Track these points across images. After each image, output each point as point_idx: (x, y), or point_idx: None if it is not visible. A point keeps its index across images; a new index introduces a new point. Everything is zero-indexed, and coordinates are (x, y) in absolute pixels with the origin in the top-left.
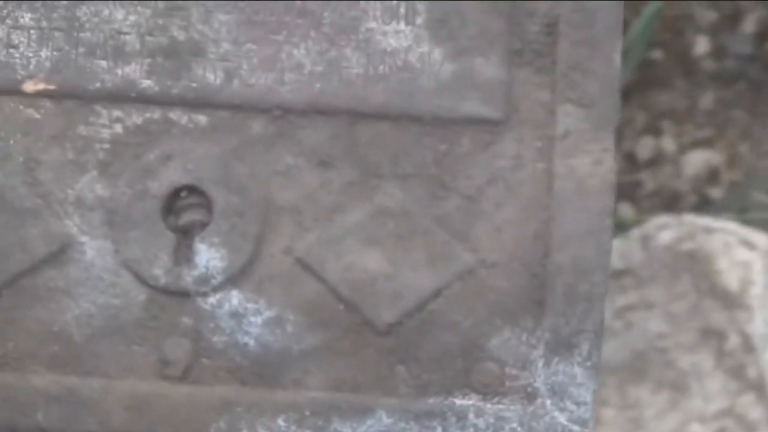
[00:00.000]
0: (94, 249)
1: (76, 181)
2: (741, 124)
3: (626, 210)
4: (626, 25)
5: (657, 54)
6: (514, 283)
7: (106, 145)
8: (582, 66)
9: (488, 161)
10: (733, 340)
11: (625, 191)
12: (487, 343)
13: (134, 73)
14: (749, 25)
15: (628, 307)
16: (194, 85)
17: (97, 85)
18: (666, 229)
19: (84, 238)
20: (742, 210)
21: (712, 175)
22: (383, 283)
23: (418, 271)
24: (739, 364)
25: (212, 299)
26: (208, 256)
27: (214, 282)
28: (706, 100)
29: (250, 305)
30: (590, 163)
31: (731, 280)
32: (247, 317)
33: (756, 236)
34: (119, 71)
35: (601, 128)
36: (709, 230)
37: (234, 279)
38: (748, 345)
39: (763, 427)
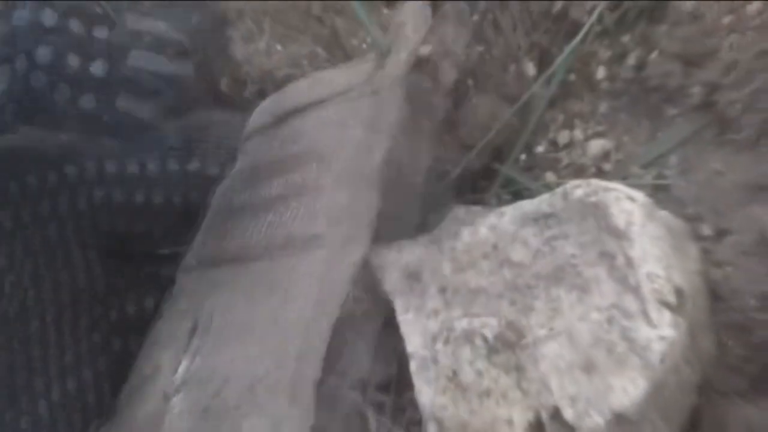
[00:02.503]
0: None
1: None
2: (625, 123)
3: (551, 177)
4: (553, 57)
5: (572, 76)
6: None
7: None
8: None
9: None
10: (620, 260)
11: (550, 165)
12: None
13: None
14: (631, 59)
15: (553, 237)
16: None
17: None
18: (578, 188)
19: None
20: (624, 178)
21: (605, 156)
22: None
23: None
24: (624, 276)
25: None
26: None
27: None
28: (603, 107)
29: None
30: None
31: (620, 221)
32: None
33: (635, 193)
34: None
35: None
36: (606, 189)
37: None
38: (630, 263)
39: (637, 316)
